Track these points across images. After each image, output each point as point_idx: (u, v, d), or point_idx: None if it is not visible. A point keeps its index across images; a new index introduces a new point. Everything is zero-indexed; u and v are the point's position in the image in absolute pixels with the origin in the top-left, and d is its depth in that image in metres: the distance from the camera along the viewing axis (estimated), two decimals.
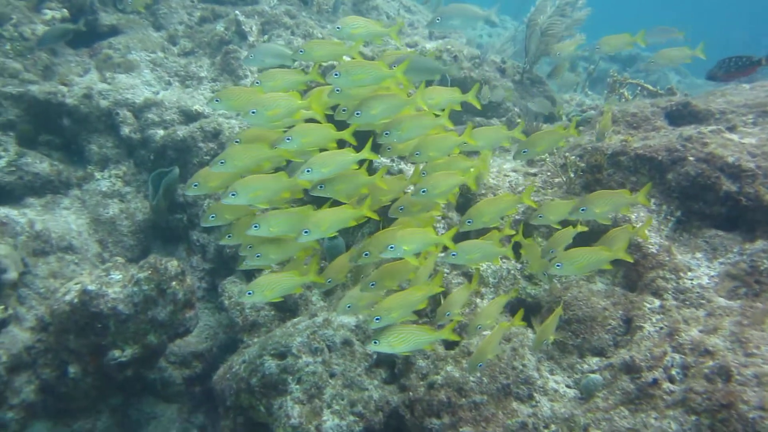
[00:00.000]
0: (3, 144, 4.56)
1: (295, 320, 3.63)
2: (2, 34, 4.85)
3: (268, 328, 3.92)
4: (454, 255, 2.60)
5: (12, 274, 3.58)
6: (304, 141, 2.65)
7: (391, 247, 2.51)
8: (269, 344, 3.32)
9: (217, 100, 2.69)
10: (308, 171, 2.60)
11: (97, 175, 4.80)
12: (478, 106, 3.14)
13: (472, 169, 2.80)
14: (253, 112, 2.59)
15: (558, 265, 2.59)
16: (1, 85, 4.67)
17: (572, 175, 3.48)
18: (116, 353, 3.68)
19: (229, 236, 2.84)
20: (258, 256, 2.73)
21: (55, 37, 4.95)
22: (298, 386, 3.10)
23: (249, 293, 2.68)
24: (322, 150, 2.71)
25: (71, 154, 4.88)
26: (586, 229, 2.87)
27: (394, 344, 2.44)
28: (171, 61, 5.45)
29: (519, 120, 4.53)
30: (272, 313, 3.98)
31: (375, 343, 2.45)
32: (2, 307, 3.28)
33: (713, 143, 3.39)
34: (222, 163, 2.63)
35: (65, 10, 5.17)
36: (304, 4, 6.04)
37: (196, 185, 2.80)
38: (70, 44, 5.34)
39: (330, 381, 3.14)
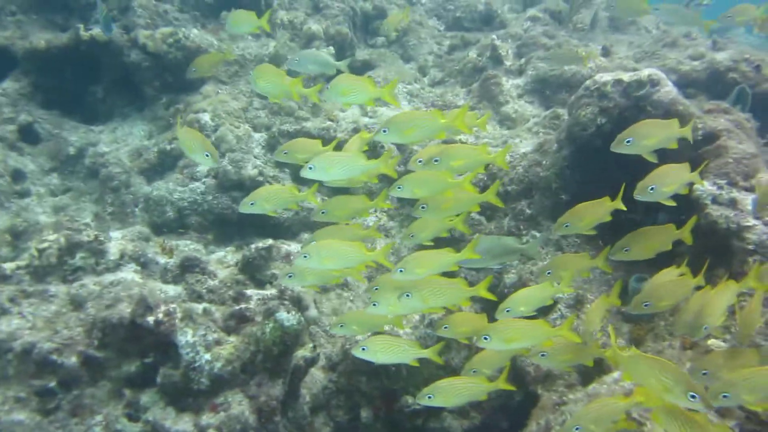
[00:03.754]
0: (280, 180, 4.72)
1: (615, 376, 3.14)
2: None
3: (566, 381, 3.48)
4: None
5: (313, 311, 3.57)
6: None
7: None
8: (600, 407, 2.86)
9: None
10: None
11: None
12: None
13: None
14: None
15: None
16: (280, 123, 4.86)
17: None
18: (410, 400, 3.49)
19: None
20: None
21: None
22: None
23: None
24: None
25: (339, 191, 4.92)
26: None
27: None
28: (426, 91, 5.34)
29: None
30: None
31: None
32: (311, 345, 3.23)
33: None
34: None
35: (331, 47, 5.31)
36: (559, 24, 5.65)
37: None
38: (329, 81, 5.48)
39: None
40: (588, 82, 3.69)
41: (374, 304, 2.50)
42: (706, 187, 3.17)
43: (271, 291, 3.31)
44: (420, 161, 2.52)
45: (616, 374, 3.17)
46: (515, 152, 4.26)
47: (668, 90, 3.43)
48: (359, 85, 2.62)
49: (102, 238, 3.47)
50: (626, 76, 3.54)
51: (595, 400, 2.59)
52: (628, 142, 2.59)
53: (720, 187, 3.17)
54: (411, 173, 2.58)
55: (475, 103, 5.10)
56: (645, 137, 2.56)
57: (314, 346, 3.26)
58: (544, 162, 4.00)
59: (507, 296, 3.66)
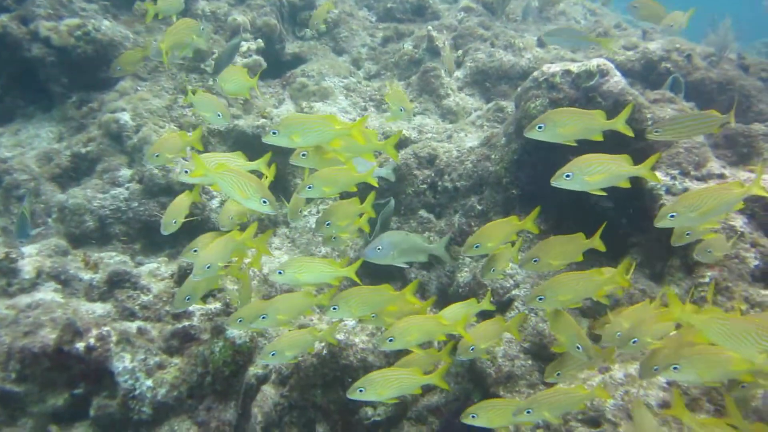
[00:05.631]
0: None
1: (582, 376, 3.07)
2: (205, 69, 4.72)
3: (528, 381, 3.39)
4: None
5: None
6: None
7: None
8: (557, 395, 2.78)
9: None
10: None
11: (305, 211, 4.51)
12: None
13: None
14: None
15: None
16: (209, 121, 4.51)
17: None
18: (369, 411, 3.30)
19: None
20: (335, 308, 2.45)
21: (229, 59, 4.80)
22: None
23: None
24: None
25: (276, 190, 4.63)
26: None
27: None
28: (364, 85, 5.14)
29: None
30: (529, 362, 3.45)
31: None
32: (263, 361, 2.96)
33: None
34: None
35: (260, 40, 5.00)
36: (492, 14, 5.59)
37: None
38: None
39: None
40: (536, 74, 3.62)
41: (263, 317, 2.48)
42: (660, 178, 3.16)
43: (214, 305, 3.02)
44: (303, 154, 2.42)
45: (583, 374, 3.11)
46: (462, 146, 4.14)
47: (617, 80, 3.40)
48: (238, 75, 2.87)
49: (13, 256, 3.04)
50: (574, 67, 3.49)
51: (556, 388, 2.54)
52: (539, 128, 2.40)
53: (673, 178, 3.17)
54: (317, 172, 2.47)
55: (415, 97, 4.94)
56: (559, 125, 2.39)
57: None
58: (492, 156, 3.90)
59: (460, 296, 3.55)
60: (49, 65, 4.83)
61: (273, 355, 2.53)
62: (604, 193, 2.41)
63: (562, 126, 2.38)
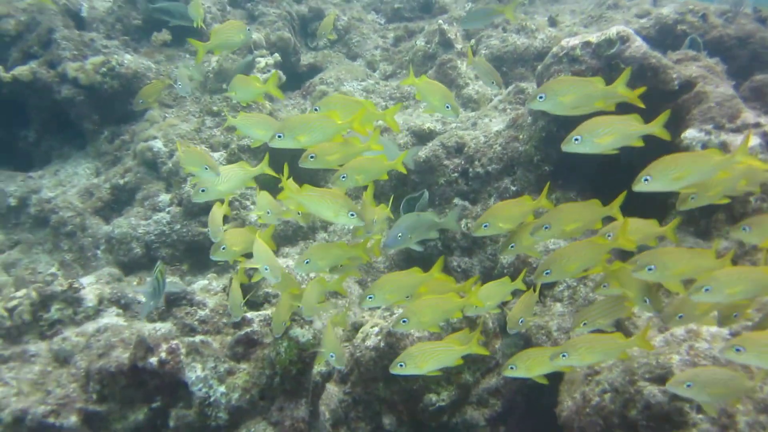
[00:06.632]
0: (249, 197, 4.49)
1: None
2: (227, 89, 4.84)
3: None
4: None
5: (318, 324, 3.36)
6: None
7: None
8: (635, 367, 2.80)
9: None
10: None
11: None
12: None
13: None
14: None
15: None
16: (238, 139, 4.63)
17: None
18: (433, 398, 3.34)
19: None
20: None
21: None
22: (701, 416, 2.54)
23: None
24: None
25: None
26: None
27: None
28: (382, 85, 5.22)
29: None
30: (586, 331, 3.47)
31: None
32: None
33: None
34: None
35: (277, 54, 5.11)
36: (500, 0, 5.65)
37: None
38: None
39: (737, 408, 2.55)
40: (555, 49, 3.66)
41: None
42: (694, 135, 3.17)
43: (271, 310, 3.10)
44: (312, 156, 2.36)
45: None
46: (488, 131, 4.19)
47: (639, 45, 3.42)
48: (250, 83, 2.84)
49: (76, 286, 3.16)
50: (593, 38, 3.52)
51: (595, 335, 2.48)
52: (540, 98, 2.28)
53: (708, 133, 3.18)
54: (349, 162, 2.44)
55: None
56: (559, 94, 2.28)
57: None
58: (521, 136, 3.94)
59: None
60: (79, 104, 4.99)
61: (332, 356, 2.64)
62: (617, 151, 2.25)
63: (562, 95, 2.28)
